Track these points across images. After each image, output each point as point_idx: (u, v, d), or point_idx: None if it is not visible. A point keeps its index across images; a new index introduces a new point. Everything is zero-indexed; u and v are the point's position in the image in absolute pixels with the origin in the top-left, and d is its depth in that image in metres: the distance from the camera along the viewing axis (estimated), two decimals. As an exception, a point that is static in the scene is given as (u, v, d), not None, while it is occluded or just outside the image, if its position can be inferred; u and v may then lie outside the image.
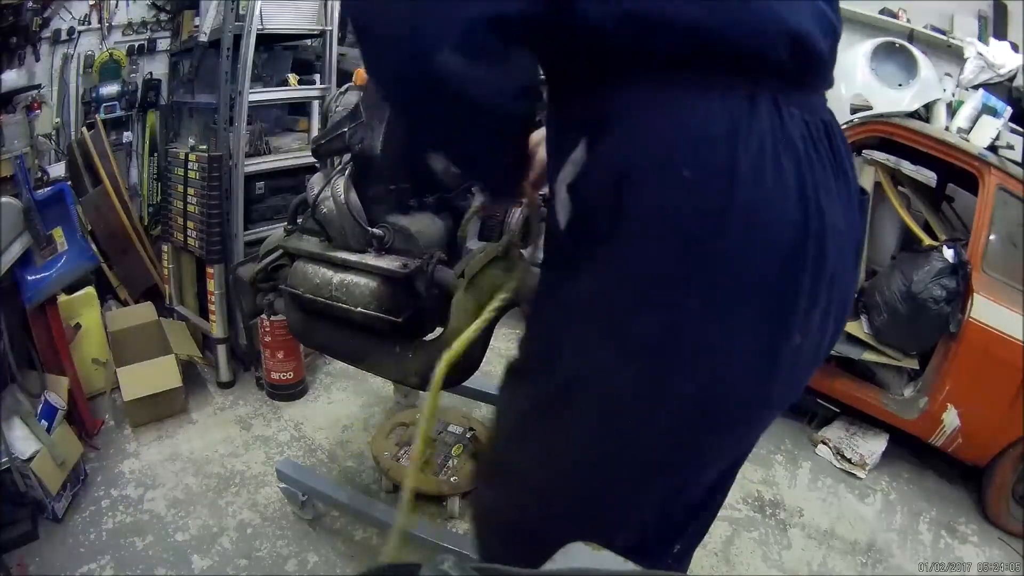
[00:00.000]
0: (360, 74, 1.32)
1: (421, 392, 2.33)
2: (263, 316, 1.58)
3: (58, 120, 2.72)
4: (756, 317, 0.71)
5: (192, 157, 2.46)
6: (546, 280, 0.89)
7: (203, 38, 2.53)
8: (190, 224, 2.50)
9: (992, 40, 2.64)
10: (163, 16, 2.91)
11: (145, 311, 2.67)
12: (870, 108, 2.41)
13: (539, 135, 0.95)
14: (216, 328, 2.53)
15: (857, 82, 2.46)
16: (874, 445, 2.44)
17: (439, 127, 0.80)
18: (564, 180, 0.77)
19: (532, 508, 0.85)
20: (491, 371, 2.80)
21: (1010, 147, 2.26)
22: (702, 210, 0.67)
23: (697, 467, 0.83)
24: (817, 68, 0.73)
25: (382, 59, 0.70)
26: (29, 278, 2.11)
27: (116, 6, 2.78)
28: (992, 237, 2.21)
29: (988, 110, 2.28)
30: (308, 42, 2.86)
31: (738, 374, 0.73)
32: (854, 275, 0.84)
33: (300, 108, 2.85)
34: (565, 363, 0.79)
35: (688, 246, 0.69)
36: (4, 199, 1.99)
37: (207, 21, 2.49)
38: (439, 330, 1.24)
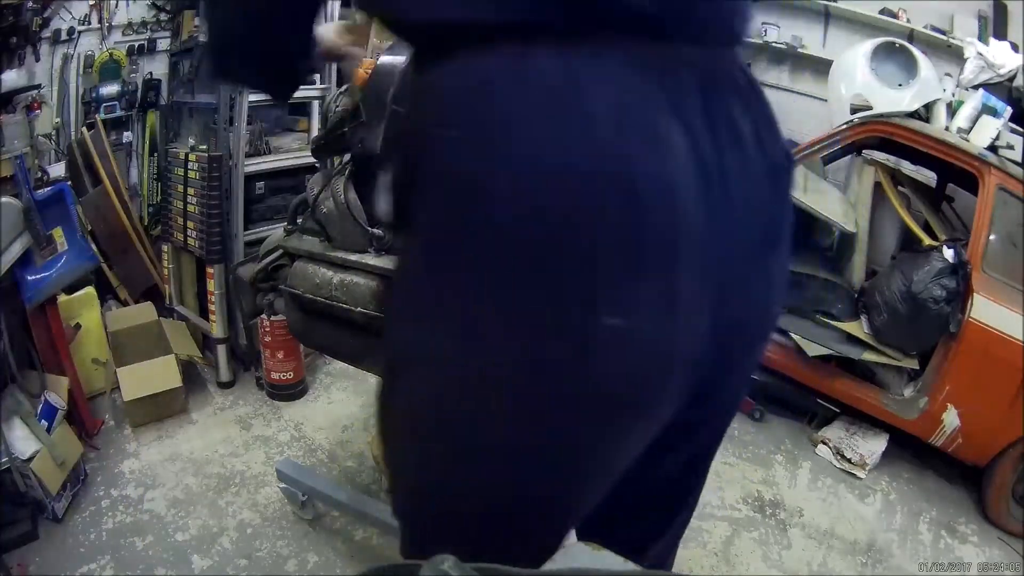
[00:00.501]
0: (360, 74, 1.32)
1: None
2: (263, 316, 1.58)
3: (58, 120, 2.72)
4: (548, 283, 0.60)
5: (192, 157, 2.46)
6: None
7: (203, 38, 2.53)
8: (190, 224, 2.50)
9: (992, 40, 2.64)
10: (163, 16, 2.91)
11: (145, 311, 2.67)
12: (870, 108, 2.41)
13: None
14: (216, 328, 2.53)
15: (857, 82, 2.47)
16: (874, 445, 2.44)
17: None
18: (388, 172, 0.76)
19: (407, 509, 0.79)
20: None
21: (1010, 147, 2.26)
22: (471, 170, 0.61)
23: (513, 449, 0.68)
24: (643, 18, 0.61)
25: None
26: (29, 278, 2.11)
27: (116, 6, 2.78)
28: (992, 237, 2.21)
29: (988, 110, 2.28)
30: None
31: (534, 348, 0.62)
32: (767, 256, 0.71)
33: (300, 108, 2.85)
34: (389, 339, 0.77)
35: (460, 208, 0.63)
36: (4, 199, 1.99)
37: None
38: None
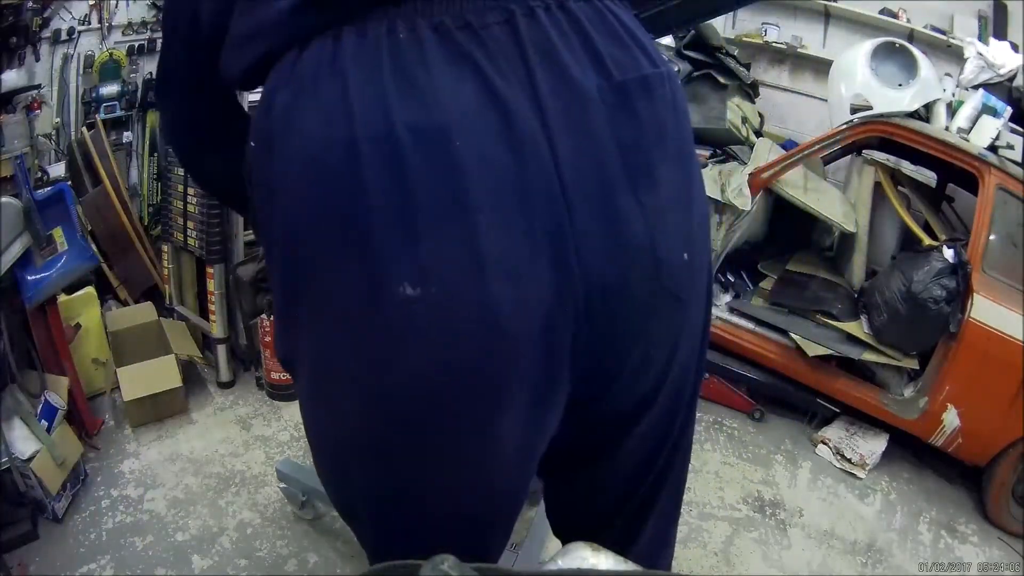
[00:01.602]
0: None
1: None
2: (263, 316, 1.58)
3: (58, 120, 2.71)
4: (333, 262, 0.58)
5: (192, 157, 2.46)
6: None
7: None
8: (190, 224, 2.50)
9: (992, 40, 2.64)
10: (163, 16, 2.91)
11: (145, 311, 2.67)
12: (870, 108, 2.41)
13: None
14: (216, 328, 2.53)
15: (857, 82, 2.47)
16: (874, 445, 2.44)
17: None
18: None
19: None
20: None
21: (1010, 147, 2.26)
22: (256, 170, 0.65)
23: (362, 445, 0.65)
24: None
25: None
26: (29, 278, 2.10)
27: (116, 6, 2.78)
28: (992, 237, 2.21)
29: (988, 110, 2.28)
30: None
31: (343, 332, 0.60)
32: (616, 194, 0.60)
33: (300, 108, 2.85)
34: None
35: (260, 209, 0.66)
36: (4, 199, 1.99)
37: (207, 21, 2.49)
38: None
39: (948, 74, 2.62)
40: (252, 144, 0.65)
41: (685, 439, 0.84)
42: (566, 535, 0.90)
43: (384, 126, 0.54)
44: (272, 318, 0.80)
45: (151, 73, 2.93)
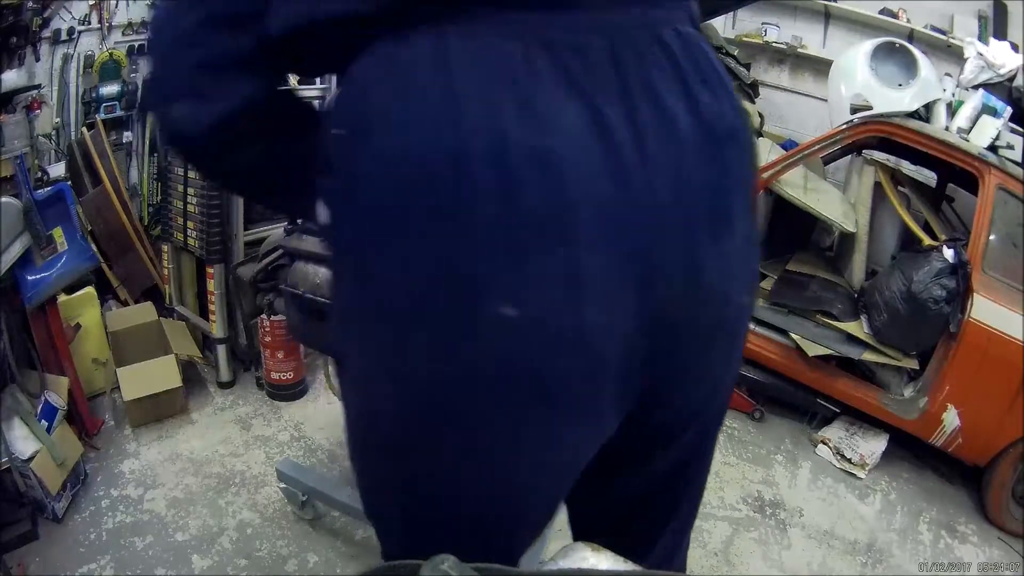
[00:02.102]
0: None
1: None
2: (263, 316, 1.58)
3: (58, 120, 2.71)
4: (426, 273, 0.57)
5: (192, 157, 2.46)
6: None
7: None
8: (190, 224, 2.50)
9: (992, 40, 2.64)
10: (163, 16, 2.91)
11: (145, 311, 2.67)
12: (870, 108, 2.41)
13: None
14: (216, 328, 2.53)
15: (857, 82, 2.47)
16: (874, 445, 2.44)
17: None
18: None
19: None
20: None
21: (1010, 147, 2.26)
22: (343, 168, 0.61)
23: (426, 446, 0.65)
24: None
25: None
26: (29, 278, 2.11)
27: (116, 6, 2.78)
28: (992, 237, 2.21)
29: (988, 110, 2.28)
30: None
31: (424, 345, 0.59)
32: (700, 233, 0.62)
33: (300, 108, 2.85)
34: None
35: (337, 208, 0.63)
36: (4, 199, 2.00)
37: (207, 21, 2.49)
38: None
39: (948, 74, 2.62)
40: (337, 131, 0.62)
41: (711, 450, 0.87)
42: (580, 533, 0.90)
43: (498, 144, 0.54)
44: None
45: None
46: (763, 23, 3.82)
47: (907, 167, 2.87)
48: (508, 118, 0.55)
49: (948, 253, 2.21)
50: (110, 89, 2.80)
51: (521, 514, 0.71)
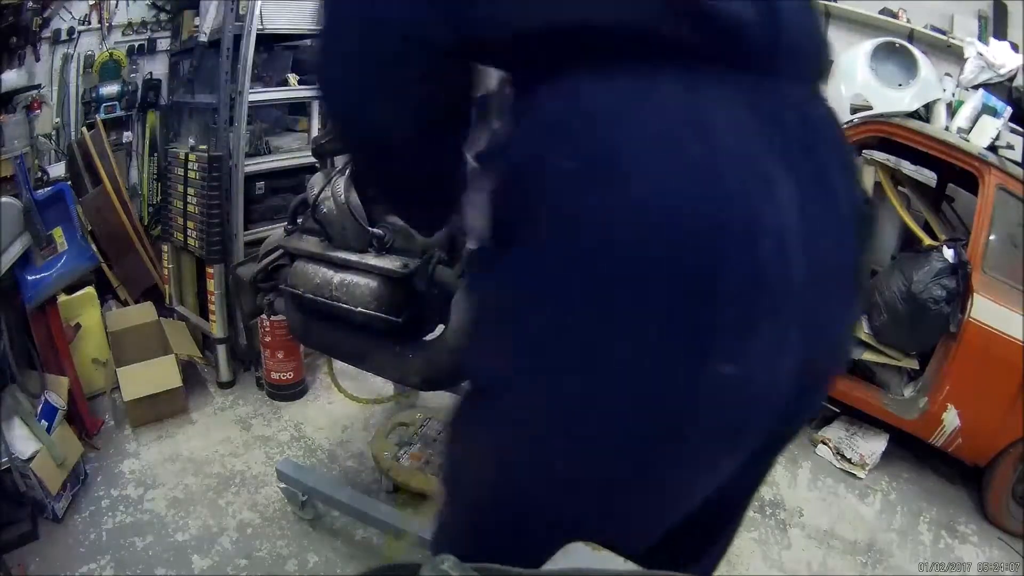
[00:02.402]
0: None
1: (422, 392, 2.34)
2: (263, 316, 1.58)
3: (58, 120, 2.72)
4: (659, 328, 0.59)
5: (192, 157, 2.46)
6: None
7: (203, 38, 2.53)
8: (190, 224, 2.50)
9: (992, 40, 2.64)
10: (163, 16, 2.92)
11: (145, 311, 2.67)
12: (870, 108, 2.41)
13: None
14: (216, 328, 2.53)
15: (857, 82, 2.47)
16: (874, 445, 2.44)
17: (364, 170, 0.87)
18: (482, 190, 0.74)
19: (467, 524, 0.79)
20: (491, 371, 2.76)
21: (1010, 147, 2.26)
22: (588, 206, 0.59)
23: (612, 487, 0.68)
24: (747, 44, 0.61)
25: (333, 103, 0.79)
26: (29, 278, 2.11)
27: (116, 6, 2.78)
28: (992, 237, 2.21)
29: (988, 110, 2.28)
30: (308, 42, 2.85)
31: (639, 394, 0.61)
32: (837, 295, 0.69)
33: (300, 108, 2.85)
34: (476, 366, 0.75)
35: (576, 250, 0.61)
36: (4, 199, 2.00)
37: (207, 21, 2.49)
38: (439, 330, 1.24)
39: (948, 74, 2.62)
40: (569, 163, 0.60)
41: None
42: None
43: (750, 219, 0.58)
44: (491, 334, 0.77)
45: (151, 73, 2.93)
46: (763, 23, 3.81)
47: (907, 167, 2.87)
48: (755, 193, 0.59)
49: (948, 253, 2.21)
50: (110, 89, 2.81)
51: (652, 537, 0.75)
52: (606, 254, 0.59)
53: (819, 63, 0.70)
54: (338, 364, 1.65)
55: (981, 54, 2.40)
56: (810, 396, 0.75)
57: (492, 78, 0.85)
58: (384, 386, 2.58)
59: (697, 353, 0.59)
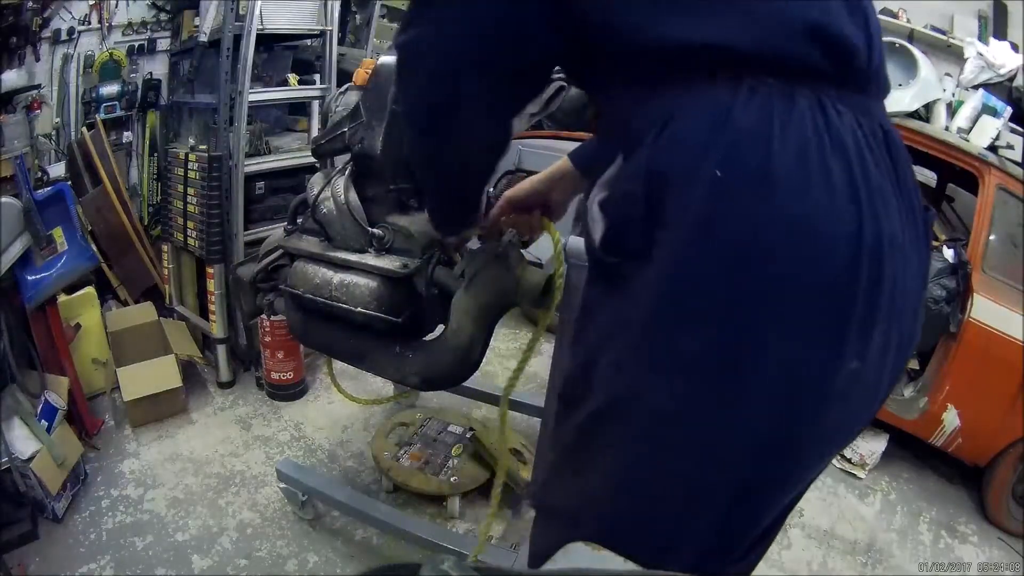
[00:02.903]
0: (360, 74, 1.32)
1: (421, 392, 2.34)
2: (263, 316, 1.58)
3: (58, 120, 2.72)
4: (805, 335, 0.65)
5: (192, 157, 2.46)
6: (585, 301, 0.85)
7: (203, 38, 2.53)
8: (190, 224, 2.50)
9: (992, 40, 2.64)
10: (163, 16, 2.91)
11: (145, 311, 2.67)
12: (870, 108, 2.41)
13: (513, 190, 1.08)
14: (216, 328, 2.53)
15: (857, 82, 2.46)
16: (874, 445, 2.44)
17: (424, 154, 0.89)
18: (595, 198, 0.77)
19: (586, 531, 0.79)
20: (491, 371, 2.79)
21: (1010, 147, 2.26)
22: (739, 215, 0.64)
23: (742, 494, 0.73)
24: (857, 66, 0.68)
25: (412, 83, 0.79)
26: (29, 278, 2.11)
27: (116, 6, 2.78)
28: (992, 237, 2.21)
29: (988, 110, 2.28)
30: (308, 42, 2.86)
31: (785, 397, 0.67)
32: (918, 298, 0.76)
33: (300, 108, 2.85)
34: (606, 386, 0.76)
35: (727, 256, 0.64)
36: (4, 199, 2.00)
37: (207, 21, 2.49)
38: (439, 330, 1.24)
39: (948, 74, 2.62)
40: (719, 172, 0.64)
41: None
42: None
43: (877, 234, 0.65)
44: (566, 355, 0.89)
45: (151, 73, 2.93)
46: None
47: (907, 167, 2.87)
48: (878, 206, 0.65)
49: (948, 253, 2.21)
50: (110, 89, 2.81)
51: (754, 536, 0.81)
52: (752, 256, 0.64)
53: (886, 78, 0.75)
54: (338, 364, 1.65)
55: (981, 54, 2.41)
56: (880, 395, 0.80)
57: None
58: (384, 386, 2.58)
59: (835, 348, 0.66)
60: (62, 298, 2.30)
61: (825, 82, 0.66)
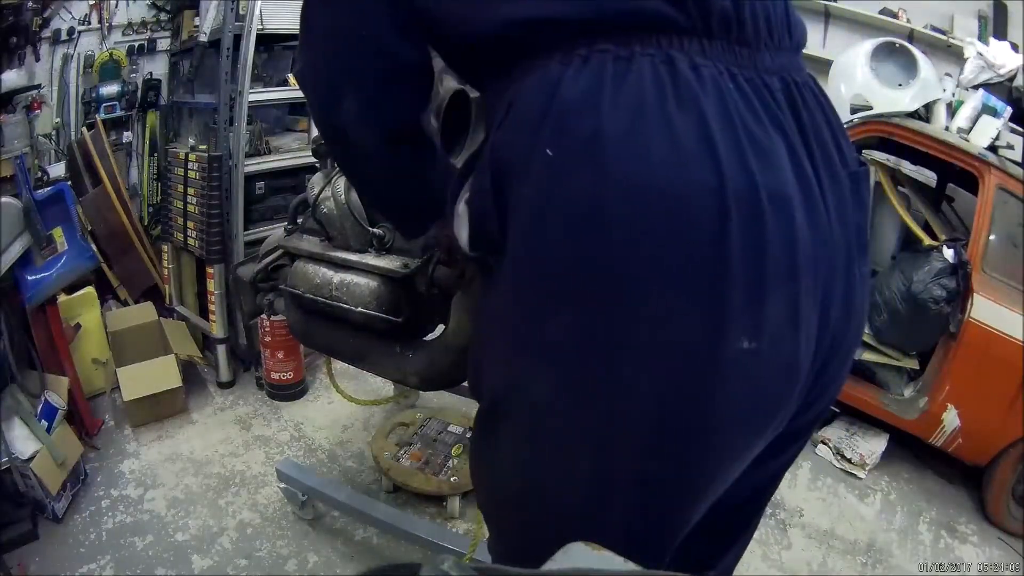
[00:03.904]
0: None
1: (422, 392, 2.34)
2: (263, 316, 1.58)
3: (58, 120, 2.72)
4: (671, 308, 0.58)
5: (192, 157, 2.47)
6: (478, 301, 0.83)
7: (203, 38, 2.53)
8: (190, 224, 2.50)
9: (992, 40, 2.64)
10: (163, 16, 2.92)
11: (145, 311, 2.67)
12: (870, 108, 2.41)
13: None
14: (216, 328, 2.53)
15: (857, 82, 2.46)
16: (874, 445, 2.44)
17: (347, 171, 0.91)
18: (462, 197, 0.73)
19: (502, 526, 0.80)
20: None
21: (1010, 147, 2.26)
22: (571, 188, 0.59)
23: (652, 484, 0.67)
24: (725, 16, 0.61)
25: (312, 107, 0.81)
26: (29, 278, 2.11)
27: (116, 6, 2.78)
28: (992, 237, 2.21)
29: (988, 110, 2.28)
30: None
31: (665, 381, 0.60)
32: (847, 261, 0.68)
33: (300, 108, 2.84)
34: (488, 382, 0.74)
35: (564, 233, 0.59)
36: (4, 199, 2.00)
37: (207, 21, 2.49)
38: (439, 330, 1.24)
39: (948, 74, 2.62)
40: (558, 150, 0.60)
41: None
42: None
43: (750, 187, 0.57)
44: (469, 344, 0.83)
45: (151, 73, 2.93)
46: (763, 23, 3.81)
47: (907, 167, 2.86)
48: (750, 159, 0.58)
49: (948, 253, 2.21)
50: (110, 89, 2.81)
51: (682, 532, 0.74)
52: (588, 228, 0.58)
53: (791, 30, 0.69)
54: (338, 364, 1.65)
55: (981, 54, 2.40)
56: (832, 372, 0.73)
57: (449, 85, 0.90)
58: (384, 386, 2.58)
59: (714, 331, 0.58)
60: (62, 298, 2.30)
61: (685, 36, 0.60)
